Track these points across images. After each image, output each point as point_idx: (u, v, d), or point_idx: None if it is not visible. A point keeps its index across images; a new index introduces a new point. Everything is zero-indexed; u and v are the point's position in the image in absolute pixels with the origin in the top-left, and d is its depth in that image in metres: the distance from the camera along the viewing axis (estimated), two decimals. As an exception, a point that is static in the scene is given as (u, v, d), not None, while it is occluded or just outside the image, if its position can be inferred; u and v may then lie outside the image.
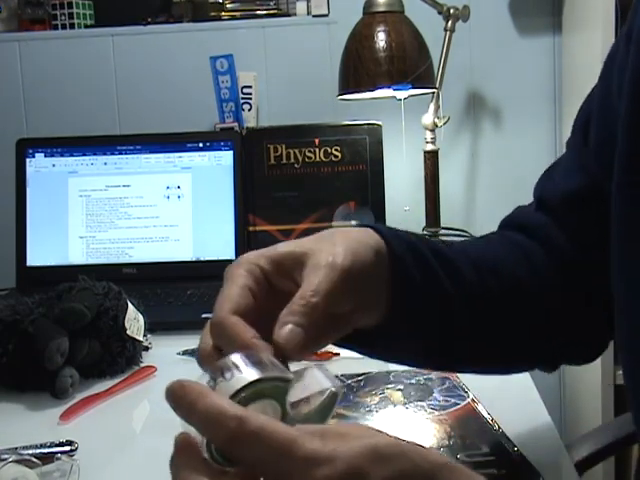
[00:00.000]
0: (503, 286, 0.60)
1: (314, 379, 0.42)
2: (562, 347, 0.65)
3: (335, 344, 0.54)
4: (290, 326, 0.45)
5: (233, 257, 1.31)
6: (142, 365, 0.97)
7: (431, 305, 0.56)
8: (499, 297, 0.60)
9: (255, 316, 0.47)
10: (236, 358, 0.40)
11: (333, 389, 0.41)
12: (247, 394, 0.39)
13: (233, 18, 1.62)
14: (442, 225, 1.44)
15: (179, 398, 0.38)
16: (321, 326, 0.47)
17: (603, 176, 0.60)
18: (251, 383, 0.39)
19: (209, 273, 1.29)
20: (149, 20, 1.62)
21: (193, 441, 0.39)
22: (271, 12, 1.62)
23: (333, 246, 0.49)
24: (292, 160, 1.36)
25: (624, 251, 0.56)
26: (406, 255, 0.54)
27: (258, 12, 1.62)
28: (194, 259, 1.34)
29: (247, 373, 0.39)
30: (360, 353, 0.59)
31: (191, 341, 0.77)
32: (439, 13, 1.40)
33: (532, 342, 0.63)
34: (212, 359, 0.45)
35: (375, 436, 0.38)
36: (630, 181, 0.55)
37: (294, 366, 0.44)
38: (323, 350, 0.97)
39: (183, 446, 0.39)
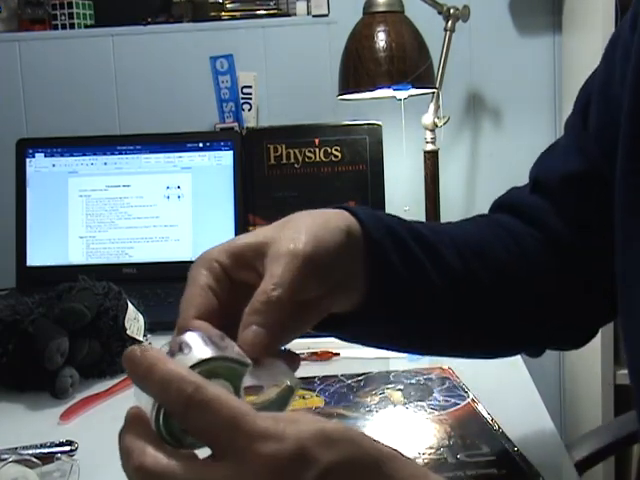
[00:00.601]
0: (488, 270, 0.59)
1: (273, 370, 0.42)
2: (552, 331, 0.65)
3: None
4: (254, 327, 0.44)
5: (233, 257, 1.31)
6: (142, 365, 0.97)
7: (411, 289, 0.55)
8: (484, 281, 0.59)
9: (221, 314, 0.46)
10: (196, 335, 0.41)
11: (289, 383, 0.41)
12: (201, 370, 0.39)
13: (233, 18, 1.62)
14: (442, 225, 1.44)
15: (137, 362, 0.38)
16: (289, 317, 0.46)
17: (603, 161, 0.60)
18: (205, 360, 0.39)
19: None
20: (149, 20, 1.62)
21: (144, 415, 0.39)
22: (271, 12, 1.62)
23: (295, 232, 0.48)
24: (292, 160, 1.36)
25: (628, 240, 0.55)
26: (384, 238, 0.53)
27: (258, 12, 1.62)
28: (194, 259, 1.33)
29: (203, 351, 0.40)
30: (334, 336, 0.57)
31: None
32: (439, 13, 1.40)
33: (520, 326, 0.63)
34: None
35: (326, 422, 0.38)
36: (634, 168, 0.54)
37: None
38: (323, 350, 0.97)
39: (133, 418, 0.39)
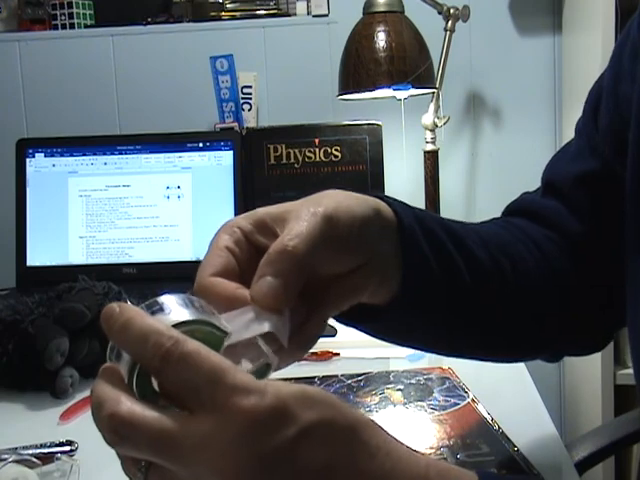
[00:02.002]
0: (514, 269, 0.59)
1: (253, 344, 0.41)
2: (569, 333, 0.64)
3: (338, 320, 0.52)
4: (267, 278, 0.43)
5: (233, 257, 1.31)
6: (142, 365, 0.97)
7: (442, 280, 0.54)
8: (509, 279, 0.59)
9: (241, 277, 0.46)
10: (176, 297, 0.40)
11: (267, 360, 0.41)
12: (181, 331, 0.38)
13: (233, 18, 1.62)
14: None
15: (115, 316, 0.38)
16: (318, 287, 0.45)
17: (614, 158, 0.60)
18: (184, 322, 0.38)
19: (209, 273, 1.29)
20: (149, 20, 1.62)
21: (117, 370, 0.38)
22: (271, 12, 1.62)
23: (317, 199, 0.48)
24: (292, 160, 1.36)
25: (638, 236, 0.55)
26: (414, 226, 0.52)
27: (258, 12, 1.62)
28: (194, 259, 1.34)
29: (182, 313, 0.39)
30: (362, 329, 0.56)
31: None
32: (439, 13, 1.40)
33: (540, 326, 0.62)
34: None
35: (307, 386, 0.38)
36: None
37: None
38: (323, 350, 0.97)
39: (107, 370, 0.38)
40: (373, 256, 0.49)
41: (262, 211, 0.48)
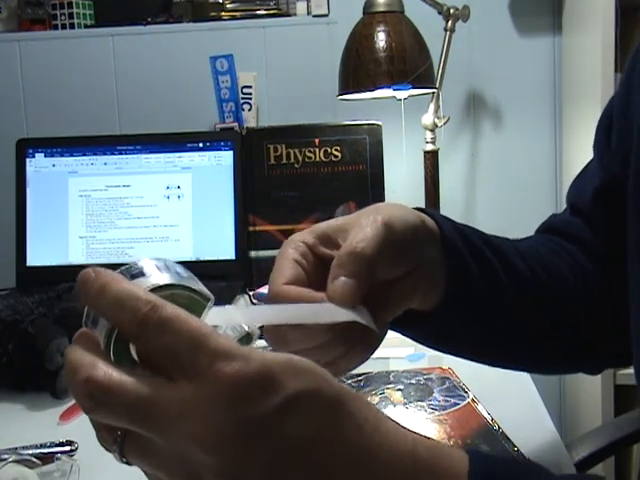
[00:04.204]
0: (551, 280, 0.61)
1: (234, 316, 0.41)
2: (589, 344, 0.65)
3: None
4: (342, 278, 0.46)
5: (233, 257, 1.31)
6: (142, 365, 0.97)
7: (483, 288, 0.56)
8: (547, 288, 0.61)
9: (309, 286, 0.48)
10: (157, 262, 0.39)
11: (248, 329, 0.41)
12: (160, 296, 0.36)
13: (233, 18, 1.62)
14: (442, 225, 1.44)
15: (91, 281, 0.36)
16: (378, 291, 0.48)
17: (624, 177, 0.61)
18: (165, 286, 0.37)
19: (209, 273, 1.29)
20: (149, 20, 1.62)
21: (93, 336, 0.37)
22: (271, 12, 1.62)
23: (373, 210, 0.51)
24: (292, 160, 1.36)
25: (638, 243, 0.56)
26: (454, 235, 0.55)
27: (258, 12, 1.62)
28: (194, 259, 1.33)
29: (163, 276, 0.38)
30: (407, 334, 0.58)
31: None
32: (439, 13, 1.40)
33: (574, 334, 0.63)
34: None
35: (292, 355, 0.37)
36: None
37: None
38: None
39: (83, 335, 0.37)
40: (423, 261, 0.52)
41: (323, 225, 0.52)
